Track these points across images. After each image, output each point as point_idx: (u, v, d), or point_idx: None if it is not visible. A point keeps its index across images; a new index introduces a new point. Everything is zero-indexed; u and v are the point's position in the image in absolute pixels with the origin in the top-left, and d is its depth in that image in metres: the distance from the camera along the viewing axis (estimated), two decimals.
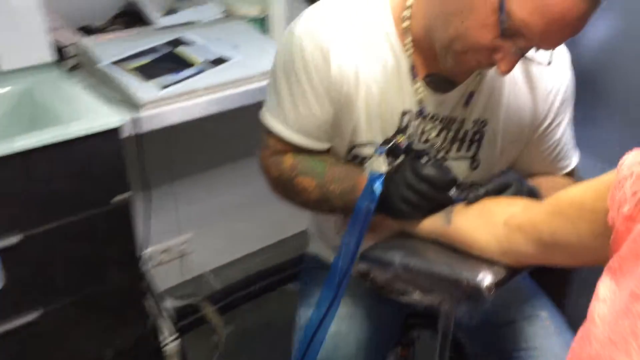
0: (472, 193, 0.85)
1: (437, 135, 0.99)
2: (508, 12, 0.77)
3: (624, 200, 0.58)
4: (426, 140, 0.99)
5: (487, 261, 0.78)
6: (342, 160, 1.03)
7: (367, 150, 1.00)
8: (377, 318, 1.12)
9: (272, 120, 1.02)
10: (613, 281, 0.56)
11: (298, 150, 1.03)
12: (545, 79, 0.97)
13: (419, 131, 0.99)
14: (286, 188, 1.05)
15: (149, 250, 1.86)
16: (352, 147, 1.01)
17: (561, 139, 1.03)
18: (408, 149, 0.90)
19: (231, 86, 1.46)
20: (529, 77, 0.96)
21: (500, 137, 0.99)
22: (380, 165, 0.87)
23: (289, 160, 1.03)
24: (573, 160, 1.08)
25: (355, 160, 1.02)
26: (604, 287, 0.56)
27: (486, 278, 0.75)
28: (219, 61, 1.50)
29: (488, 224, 0.79)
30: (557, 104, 0.99)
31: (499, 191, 0.86)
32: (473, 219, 0.81)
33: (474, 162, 1.01)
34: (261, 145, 1.08)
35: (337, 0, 0.99)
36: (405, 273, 0.83)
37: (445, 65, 0.89)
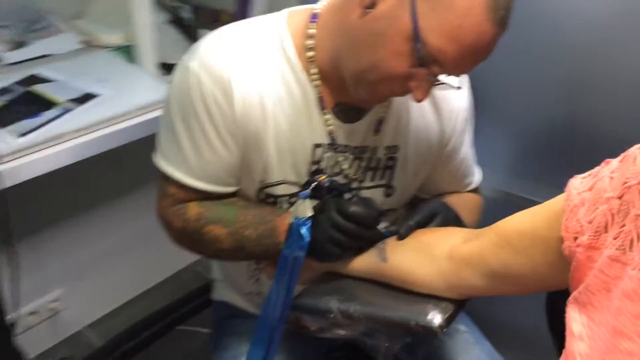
0: (402, 226, 0.83)
1: (350, 166, 0.96)
2: (423, 40, 0.75)
3: (580, 230, 0.58)
4: (340, 172, 0.95)
5: (432, 297, 0.75)
6: (253, 202, 0.96)
7: (280, 190, 0.94)
8: (301, 356, 1.06)
9: (169, 167, 0.92)
10: (584, 315, 0.55)
11: (203, 197, 0.94)
12: (448, 99, 0.97)
13: (332, 163, 0.94)
14: (193, 239, 0.95)
15: (16, 314, 1.63)
16: (263, 187, 0.94)
17: (466, 156, 1.05)
18: (331, 188, 0.85)
19: (103, 126, 1.30)
20: (433, 99, 0.96)
21: (412, 160, 0.98)
22: (306, 209, 0.81)
23: (194, 209, 0.94)
24: (477, 176, 1.10)
25: (268, 200, 0.95)
26: (577, 323, 0.55)
27: (436, 317, 0.72)
28: (85, 98, 1.34)
29: (429, 259, 0.76)
30: (460, 123, 1.00)
31: (428, 220, 0.85)
32: (411, 254, 0.78)
33: (388, 189, 0.99)
34: (159, 194, 0.97)
35: (232, 33, 0.91)
36: (346, 320, 0.78)
37: (358, 95, 0.86)
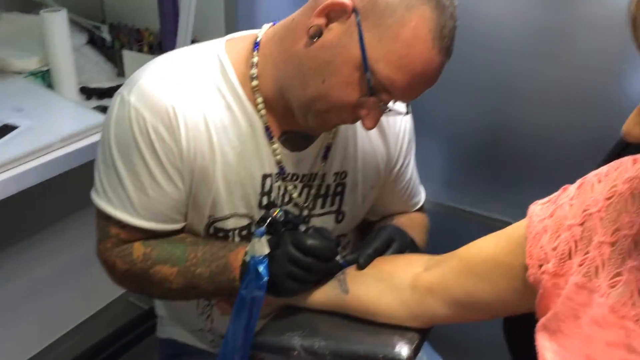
0: (361, 256, 0.82)
1: (300, 194, 0.94)
2: (372, 69, 0.75)
3: (545, 257, 0.59)
4: (289, 201, 0.93)
5: (396, 328, 0.75)
6: (202, 237, 0.92)
7: (230, 223, 0.91)
8: None
9: (110, 207, 0.87)
10: (554, 342, 0.56)
11: (149, 235, 0.89)
12: (393, 123, 0.98)
13: (282, 192, 0.92)
14: (140, 281, 0.90)
15: None
16: (213, 222, 0.91)
17: (412, 177, 1.06)
18: (286, 221, 0.83)
19: (25, 161, 1.21)
20: (379, 123, 0.96)
21: (361, 185, 0.98)
22: (262, 247, 0.79)
23: (139, 249, 0.89)
24: (422, 195, 1.11)
25: (218, 234, 0.92)
26: (549, 351, 0.56)
27: (403, 349, 0.71)
28: (2, 131, 1.24)
29: (391, 288, 0.75)
30: (405, 144, 1.01)
31: (386, 247, 0.84)
32: (373, 284, 0.77)
33: (339, 214, 0.98)
34: (99, 235, 0.91)
35: (170, 62, 0.88)
36: (310, 356, 0.76)
37: (306, 124, 0.85)
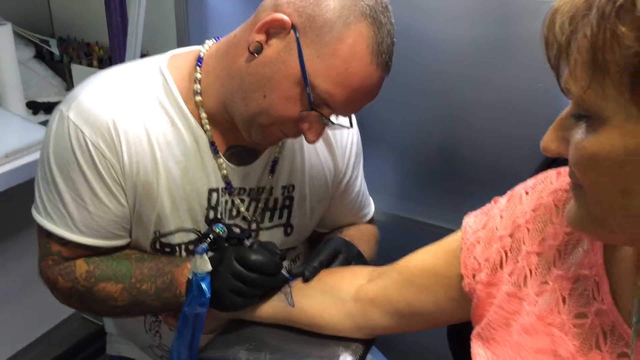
0: (306, 268, 0.82)
1: (247, 208, 0.94)
2: (312, 85, 0.76)
3: (478, 267, 0.61)
4: (237, 214, 0.93)
5: (341, 339, 0.76)
6: (148, 253, 0.91)
7: (177, 238, 0.90)
8: None
9: (51, 224, 0.85)
10: (488, 350, 0.58)
11: (92, 252, 0.88)
12: (339, 135, 0.99)
13: (229, 207, 0.92)
14: (84, 299, 0.89)
15: None
16: (158, 237, 0.90)
17: (360, 189, 1.07)
18: (229, 237, 0.83)
19: None
20: (325, 136, 0.97)
21: (309, 198, 0.99)
22: (204, 264, 0.79)
23: (82, 266, 0.88)
24: (371, 207, 1.13)
25: (164, 250, 0.91)
26: (482, 359, 0.58)
27: None
28: None
29: (336, 300, 0.76)
30: (353, 157, 1.02)
31: (331, 259, 0.85)
32: (318, 297, 0.78)
33: (287, 228, 0.99)
34: (41, 252, 0.89)
35: (112, 77, 0.87)
36: None
37: (250, 138, 0.85)
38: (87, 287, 0.87)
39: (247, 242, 0.82)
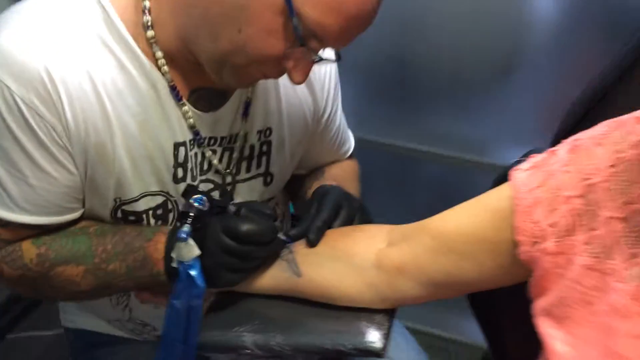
0: (310, 231, 0.70)
1: (220, 159, 0.81)
2: (299, 14, 0.61)
3: (540, 234, 0.52)
4: (209, 168, 0.80)
5: (361, 311, 0.66)
6: (108, 224, 0.77)
7: (142, 204, 0.76)
8: None
9: None
10: (563, 331, 0.50)
11: (40, 231, 0.73)
12: (317, 69, 0.85)
13: (199, 161, 0.78)
14: (38, 285, 0.74)
15: None
16: (120, 205, 0.75)
17: (340, 124, 0.95)
18: (210, 208, 0.69)
19: None
20: None
21: (288, 141, 0.86)
22: (191, 250, 0.65)
23: (30, 250, 0.73)
24: (351, 141, 1.01)
25: (128, 218, 0.77)
26: (557, 341, 0.50)
27: (376, 337, 0.62)
28: None
29: (353, 269, 0.65)
30: (332, 90, 0.89)
31: (334, 216, 0.74)
32: (330, 265, 0.67)
33: (267, 177, 0.86)
34: None
35: (34, 12, 0.68)
36: (266, 353, 0.66)
37: (220, 81, 0.71)
38: (41, 274, 0.73)
39: (232, 208, 0.70)
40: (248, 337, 0.66)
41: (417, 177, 1.56)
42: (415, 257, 0.61)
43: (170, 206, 0.78)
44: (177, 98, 0.73)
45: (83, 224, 0.76)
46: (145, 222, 0.77)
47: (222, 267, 0.67)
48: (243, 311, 0.70)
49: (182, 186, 0.77)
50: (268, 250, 0.69)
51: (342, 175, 0.93)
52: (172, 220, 0.79)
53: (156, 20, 0.70)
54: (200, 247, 0.66)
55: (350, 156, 1.02)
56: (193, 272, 0.64)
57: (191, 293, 0.64)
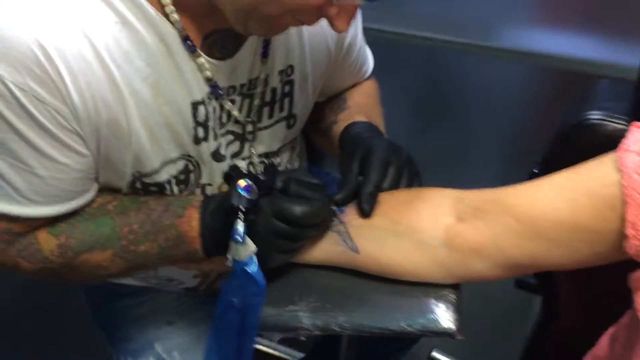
0: (362, 199, 0.63)
1: (240, 109, 0.71)
2: None
3: None
4: (228, 119, 0.70)
5: (428, 287, 0.62)
6: (128, 196, 0.68)
7: (164, 174, 0.68)
8: None
9: None
10: None
11: (53, 219, 0.64)
12: None
13: (217, 115, 0.69)
14: (62, 274, 0.68)
15: None
16: (139, 178, 0.67)
17: (361, 44, 0.84)
18: (259, 190, 0.61)
19: None
20: None
21: (311, 76, 0.76)
22: (247, 248, 0.58)
23: (49, 241, 0.65)
24: (370, 60, 0.91)
25: (149, 189, 0.69)
26: None
27: (450, 321, 0.59)
28: None
29: (419, 246, 0.60)
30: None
31: (384, 176, 0.67)
32: (392, 242, 0.61)
33: (290, 120, 0.77)
34: None
35: None
36: (326, 333, 0.63)
37: (245, 31, 0.60)
38: (65, 264, 0.66)
39: (279, 184, 0.62)
40: (306, 319, 0.62)
41: (409, 62, 1.48)
42: (496, 238, 0.56)
43: (191, 167, 0.70)
44: (191, 49, 0.62)
45: (99, 200, 0.68)
46: (168, 190, 0.69)
47: (274, 250, 0.62)
48: (295, 283, 0.66)
49: (203, 146, 0.68)
50: (321, 228, 0.64)
51: (367, 102, 0.85)
52: (194, 181, 0.71)
53: None
54: (250, 233, 0.60)
55: (371, 77, 0.92)
56: (251, 270, 0.58)
57: (250, 291, 0.59)
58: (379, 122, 0.83)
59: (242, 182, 0.58)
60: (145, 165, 0.65)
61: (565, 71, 1.33)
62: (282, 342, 1.20)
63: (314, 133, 0.88)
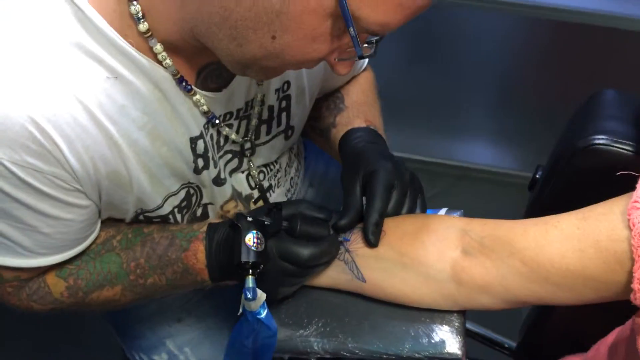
0: (368, 231, 0.62)
1: (237, 131, 0.70)
2: (357, 19, 0.49)
3: None
4: (225, 142, 0.69)
5: (433, 312, 0.63)
6: (131, 229, 0.68)
7: (166, 207, 0.67)
8: None
9: None
10: None
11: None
12: None
13: (215, 141, 0.68)
14: (74, 310, 0.69)
15: None
16: (142, 213, 0.67)
17: None
18: (265, 235, 0.61)
19: None
20: None
21: (308, 87, 0.73)
22: (259, 300, 0.59)
23: (58, 284, 0.66)
24: None
25: (152, 221, 0.68)
26: None
27: (456, 348, 0.61)
28: None
29: (426, 279, 0.61)
30: None
31: (388, 201, 0.66)
32: (398, 273, 0.61)
33: (287, 132, 0.75)
34: None
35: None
36: (335, 357, 0.65)
37: (241, 75, 0.59)
38: (76, 303, 0.67)
39: (284, 224, 0.62)
40: (316, 343, 0.64)
41: None
42: (502, 279, 0.57)
43: (192, 192, 0.70)
44: (187, 88, 0.60)
45: (103, 235, 0.68)
46: (172, 220, 0.69)
47: (281, 285, 0.63)
48: (302, 304, 0.67)
49: (204, 174, 0.67)
50: (328, 262, 0.64)
51: (364, 100, 0.83)
52: (195, 202, 0.71)
53: (148, 8, 0.54)
54: (258, 274, 0.60)
55: (366, 69, 0.89)
56: (263, 317, 0.59)
57: (262, 334, 0.60)
58: (378, 121, 0.81)
59: (249, 237, 0.58)
60: (148, 204, 0.65)
61: (561, 22, 1.29)
62: None
63: (311, 131, 0.86)
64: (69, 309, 0.68)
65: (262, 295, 0.59)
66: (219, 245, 0.64)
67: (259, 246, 0.58)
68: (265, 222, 0.61)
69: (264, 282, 0.61)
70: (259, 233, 0.59)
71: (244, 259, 0.58)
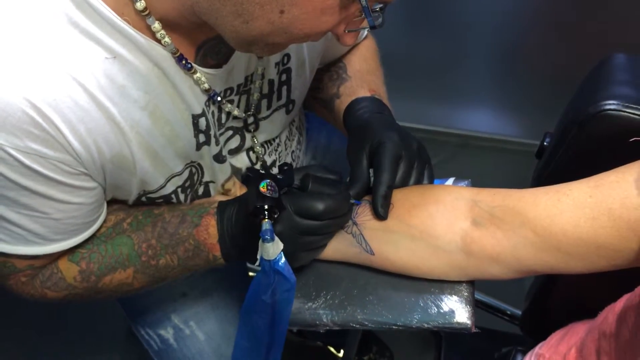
0: (377, 203, 0.62)
1: (238, 106, 0.68)
2: None
3: None
4: (227, 118, 0.68)
5: (442, 282, 0.63)
6: (139, 211, 0.68)
7: (169, 187, 0.66)
8: None
9: (4, 245, 0.60)
10: None
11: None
12: None
13: (216, 117, 0.66)
14: (88, 296, 0.69)
15: None
16: (144, 194, 0.66)
17: None
18: (280, 187, 0.60)
19: None
20: None
21: (308, 59, 0.72)
22: (276, 246, 0.57)
23: (70, 269, 0.66)
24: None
25: (155, 202, 0.68)
26: None
27: (466, 317, 0.61)
28: None
29: (435, 251, 0.60)
30: None
31: (395, 172, 0.65)
32: (407, 245, 0.61)
33: (288, 106, 0.74)
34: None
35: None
36: (344, 328, 0.65)
37: (245, 52, 0.58)
38: (89, 288, 0.67)
39: (297, 182, 0.61)
40: (325, 316, 0.64)
41: None
42: (514, 249, 0.57)
43: (194, 170, 0.69)
44: (187, 66, 0.58)
45: (113, 219, 0.67)
46: (174, 200, 0.68)
47: (299, 249, 0.62)
48: (310, 278, 0.67)
49: (205, 150, 0.66)
50: (342, 221, 0.63)
51: (367, 68, 0.81)
52: (197, 181, 0.70)
53: None
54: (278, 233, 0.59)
55: (368, 37, 0.87)
56: (280, 267, 0.58)
57: (280, 287, 0.59)
58: (382, 90, 0.80)
59: (263, 183, 0.58)
60: (151, 185, 0.64)
61: None
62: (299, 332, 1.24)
63: (314, 102, 0.85)
64: (82, 296, 0.68)
65: (279, 242, 0.58)
66: (230, 219, 0.63)
67: (273, 194, 0.58)
68: (278, 176, 0.60)
69: (283, 242, 0.60)
70: (272, 182, 0.58)
71: (259, 203, 0.57)
